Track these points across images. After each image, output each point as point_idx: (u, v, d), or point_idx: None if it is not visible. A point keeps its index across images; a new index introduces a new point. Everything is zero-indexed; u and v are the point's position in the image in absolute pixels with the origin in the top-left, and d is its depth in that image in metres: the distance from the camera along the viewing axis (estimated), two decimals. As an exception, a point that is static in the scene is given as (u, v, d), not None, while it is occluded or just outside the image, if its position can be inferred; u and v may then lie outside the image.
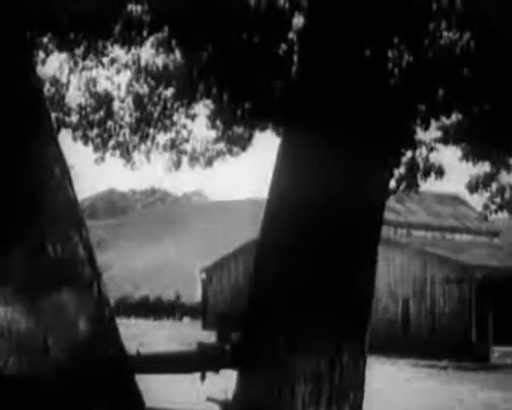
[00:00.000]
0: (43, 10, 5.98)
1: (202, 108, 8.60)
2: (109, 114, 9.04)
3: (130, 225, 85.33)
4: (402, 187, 8.10)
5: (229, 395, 6.28)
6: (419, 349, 34.11)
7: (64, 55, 8.41)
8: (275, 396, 5.93)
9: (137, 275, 55.55)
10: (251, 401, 6.04)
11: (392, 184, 7.55)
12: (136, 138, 9.09)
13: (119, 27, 7.10)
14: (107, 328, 5.23)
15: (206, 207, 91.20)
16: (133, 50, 8.29)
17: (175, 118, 8.96)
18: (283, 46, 6.68)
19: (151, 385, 7.59)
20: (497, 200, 11.05)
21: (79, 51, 7.96)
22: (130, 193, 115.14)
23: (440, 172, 7.73)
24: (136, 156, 9.21)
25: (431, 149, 7.94)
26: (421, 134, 7.42)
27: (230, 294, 44.03)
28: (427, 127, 6.91)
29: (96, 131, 9.06)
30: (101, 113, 9.05)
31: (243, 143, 8.93)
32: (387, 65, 5.73)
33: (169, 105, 8.78)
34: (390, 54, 5.75)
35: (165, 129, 9.04)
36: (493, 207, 11.17)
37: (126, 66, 8.69)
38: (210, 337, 6.61)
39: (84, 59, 8.24)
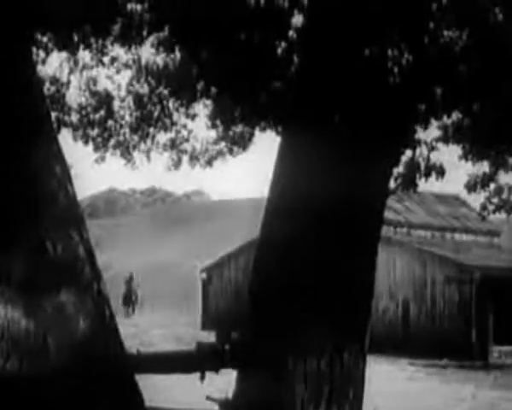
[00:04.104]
0: (43, 9, 5.98)
1: (202, 108, 8.60)
2: (109, 113, 9.04)
3: (130, 224, 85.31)
4: (400, 186, 8.09)
5: (229, 395, 6.28)
6: (419, 349, 34.07)
7: (64, 55, 8.41)
8: (275, 396, 5.92)
9: (137, 274, 55.53)
10: (250, 401, 6.04)
11: (392, 183, 7.54)
12: (136, 138, 9.10)
13: (120, 26, 7.10)
14: (108, 328, 5.23)
15: (207, 206, 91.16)
16: (133, 50, 8.30)
17: (175, 117, 8.96)
18: (283, 45, 6.68)
19: (151, 384, 7.58)
20: (495, 200, 11.03)
21: (79, 50, 7.96)
22: (130, 192, 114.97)
23: (441, 173, 7.71)
24: (137, 156, 9.22)
25: (432, 149, 7.93)
26: (421, 133, 7.41)
27: (230, 293, 43.98)
28: (426, 126, 6.90)
29: (96, 130, 9.06)
30: (102, 112, 9.05)
31: (243, 142, 8.92)
32: (387, 64, 5.73)
33: (169, 104, 8.78)
34: (390, 52, 5.75)
35: (165, 128, 9.04)
36: (491, 207, 11.15)
37: (127, 65, 8.69)
38: (209, 337, 6.59)
39: (83, 58, 8.26)
